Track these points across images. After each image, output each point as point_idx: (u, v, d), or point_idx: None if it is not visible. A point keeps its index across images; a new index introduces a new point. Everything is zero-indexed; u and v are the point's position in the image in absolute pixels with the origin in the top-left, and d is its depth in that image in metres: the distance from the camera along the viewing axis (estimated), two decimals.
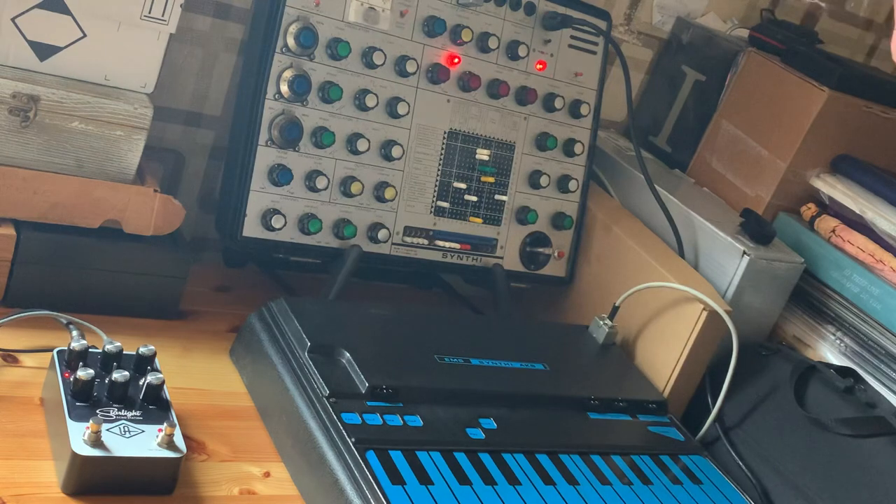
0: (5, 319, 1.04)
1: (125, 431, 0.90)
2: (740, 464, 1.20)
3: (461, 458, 1.01)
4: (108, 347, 0.97)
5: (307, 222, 1.23)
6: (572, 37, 1.41)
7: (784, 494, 1.17)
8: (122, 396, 0.93)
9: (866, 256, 1.32)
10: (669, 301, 1.28)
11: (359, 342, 1.11)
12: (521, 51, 1.36)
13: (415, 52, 1.28)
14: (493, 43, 1.33)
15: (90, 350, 0.96)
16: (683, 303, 1.27)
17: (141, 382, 0.95)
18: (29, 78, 1.08)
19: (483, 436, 1.06)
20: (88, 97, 1.10)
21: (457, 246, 1.35)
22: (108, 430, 0.89)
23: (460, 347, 1.18)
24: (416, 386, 1.08)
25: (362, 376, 1.05)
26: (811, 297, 1.37)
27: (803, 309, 1.37)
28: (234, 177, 1.20)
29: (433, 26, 1.29)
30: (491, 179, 1.37)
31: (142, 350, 0.98)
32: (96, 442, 0.87)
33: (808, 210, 1.41)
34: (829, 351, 1.33)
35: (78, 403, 0.90)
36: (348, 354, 1.07)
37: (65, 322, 1.05)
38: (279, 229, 1.21)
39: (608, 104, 1.51)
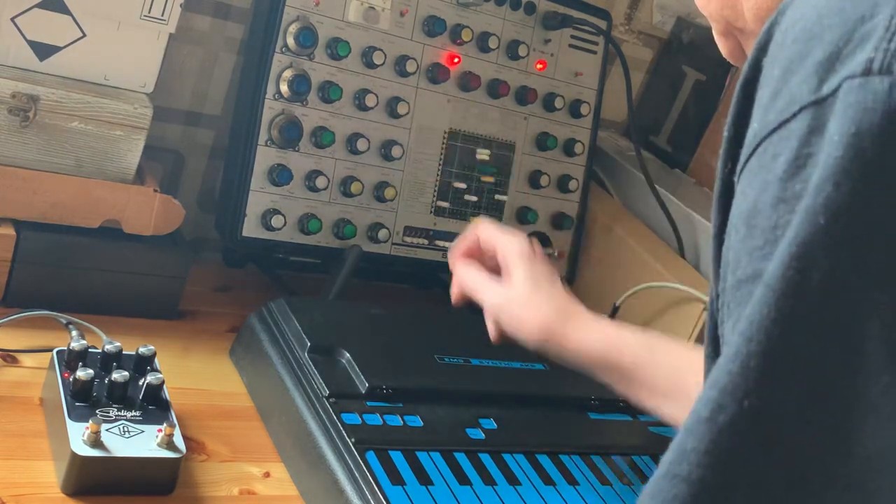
0: (5, 319, 1.04)
1: (125, 431, 0.90)
2: None
3: (461, 458, 1.01)
4: (108, 347, 0.97)
5: (307, 222, 1.23)
6: (572, 36, 1.41)
7: None
8: (121, 396, 0.93)
9: None
10: (670, 301, 1.28)
11: (359, 342, 1.11)
12: (521, 50, 1.35)
13: (415, 52, 1.28)
14: (493, 43, 1.33)
15: (90, 350, 0.96)
16: (684, 303, 1.26)
17: (141, 382, 0.94)
18: (29, 78, 1.08)
19: (483, 436, 1.05)
20: (88, 97, 1.10)
21: None
22: (107, 430, 0.88)
23: (460, 347, 1.18)
24: (416, 386, 1.08)
25: (362, 376, 1.04)
26: None
27: None
28: (234, 177, 1.20)
29: (433, 26, 1.28)
30: (491, 179, 1.37)
31: (141, 350, 0.98)
32: (96, 442, 0.87)
33: None
34: None
35: (77, 403, 0.90)
36: (348, 354, 1.07)
37: (64, 322, 1.05)
38: (279, 229, 1.21)
39: (608, 104, 1.51)
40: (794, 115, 0.46)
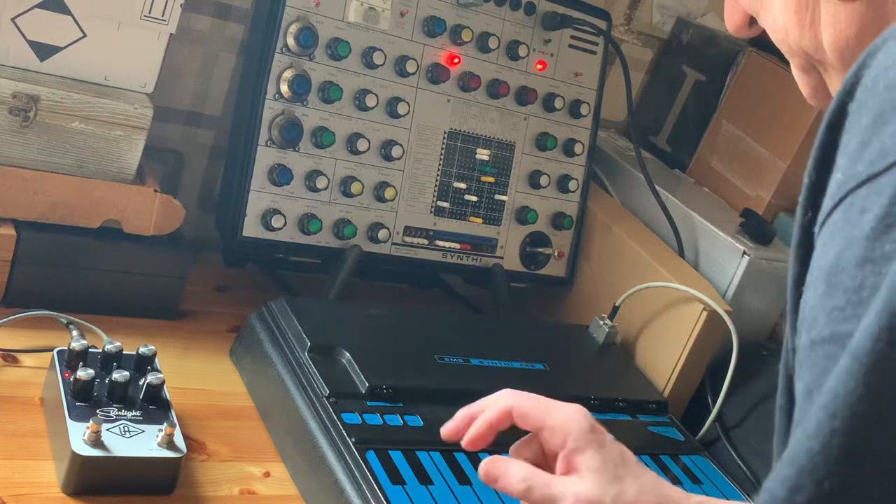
0: (5, 319, 1.04)
1: (125, 431, 0.90)
2: (740, 464, 1.20)
3: (461, 458, 1.01)
4: (108, 347, 0.97)
5: (307, 222, 1.23)
6: (572, 37, 1.41)
7: None
8: (122, 396, 0.93)
9: None
10: (669, 301, 1.28)
11: (359, 342, 1.11)
12: (521, 51, 1.36)
13: (415, 52, 1.28)
14: (493, 43, 1.33)
15: (90, 350, 0.96)
16: (683, 303, 1.26)
17: (141, 382, 0.95)
18: (29, 78, 1.08)
19: None
20: (88, 97, 1.10)
21: (457, 246, 1.35)
22: (108, 430, 0.89)
23: (460, 347, 1.18)
24: (416, 386, 1.08)
25: (362, 376, 1.05)
26: None
27: None
28: (234, 177, 1.20)
29: (433, 26, 1.29)
30: (491, 179, 1.37)
31: (142, 350, 0.98)
32: (96, 442, 0.87)
33: None
34: None
35: (78, 403, 0.90)
36: (348, 354, 1.07)
37: (65, 322, 1.05)
38: (279, 229, 1.21)
39: (608, 104, 1.51)
40: (886, 170, 0.43)
